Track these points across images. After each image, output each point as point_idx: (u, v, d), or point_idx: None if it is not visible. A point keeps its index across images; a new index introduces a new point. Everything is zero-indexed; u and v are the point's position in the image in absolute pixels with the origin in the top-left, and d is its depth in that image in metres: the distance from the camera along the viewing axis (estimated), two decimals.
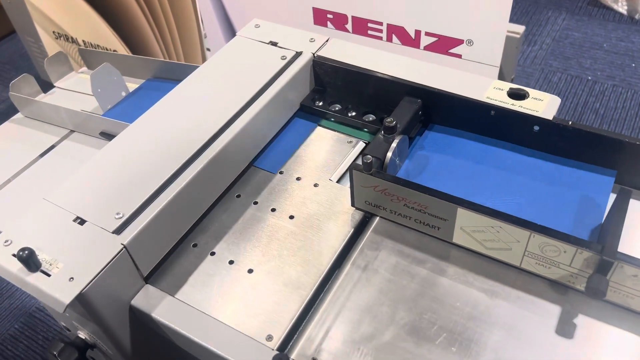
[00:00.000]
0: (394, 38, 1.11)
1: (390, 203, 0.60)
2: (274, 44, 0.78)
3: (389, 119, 0.65)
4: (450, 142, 0.69)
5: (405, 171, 0.66)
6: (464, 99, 0.66)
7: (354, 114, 0.75)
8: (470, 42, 1.02)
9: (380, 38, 1.13)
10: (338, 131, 0.75)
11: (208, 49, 1.46)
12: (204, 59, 1.48)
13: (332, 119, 0.76)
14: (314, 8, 1.16)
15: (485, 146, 0.67)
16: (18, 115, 1.00)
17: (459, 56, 1.06)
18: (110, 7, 1.56)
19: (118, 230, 0.56)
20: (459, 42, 1.04)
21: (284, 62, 0.75)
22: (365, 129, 0.74)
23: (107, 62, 1.01)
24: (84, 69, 1.11)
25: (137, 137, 0.66)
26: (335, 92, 0.77)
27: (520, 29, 1.07)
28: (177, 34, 1.48)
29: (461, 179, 0.64)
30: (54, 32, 1.76)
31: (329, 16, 1.16)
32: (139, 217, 0.57)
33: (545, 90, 2.23)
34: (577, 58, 2.35)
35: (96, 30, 1.64)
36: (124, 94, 0.96)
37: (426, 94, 0.69)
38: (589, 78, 2.26)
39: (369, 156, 0.58)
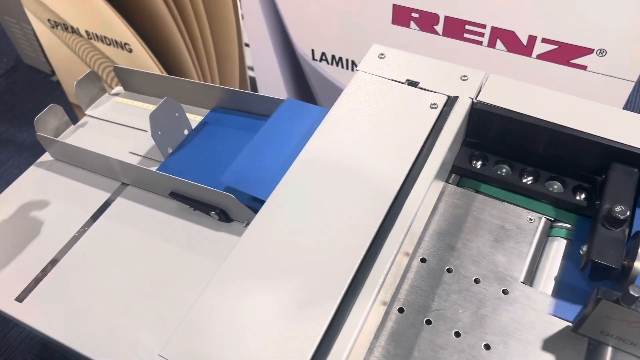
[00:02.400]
0: (498, 43, 0.92)
1: None
2: (414, 84, 0.59)
3: (618, 208, 0.47)
4: None
5: None
6: None
7: (530, 179, 0.57)
8: (602, 52, 0.84)
9: (480, 43, 0.94)
10: (506, 201, 0.57)
11: (247, 44, 1.23)
12: (241, 57, 1.26)
13: (494, 184, 0.58)
14: (394, 5, 0.95)
15: None
16: (46, 157, 0.79)
17: (583, 67, 0.88)
18: None
19: None
20: (587, 51, 0.85)
21: (436, 113, 0.56)
22: (544, 200, 0.57)
23: (154, 85, 0.80)
24: (118, 89, 0.89)
25: (276, 241, 0.47)
26: (497, 148, 0.59)
27: None
28: (207, 19, 1.24)
29: None
30: (49, 20, 1.50)
31: (414, 15, 0.95)
32: None
33: None
34: None
35: (102, 18, 1.40)
36: (186, 132, 0.75)
37: None
38: None
39: (636, 287, 0.40)
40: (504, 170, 0.58)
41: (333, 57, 1.12)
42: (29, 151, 1.96)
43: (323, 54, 1.13)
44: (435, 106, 0.56)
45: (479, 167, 0.59)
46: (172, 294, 0.60)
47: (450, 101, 0.57)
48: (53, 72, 2.11)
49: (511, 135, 0.57)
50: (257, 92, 1.34)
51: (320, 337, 0.41)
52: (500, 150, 0.58)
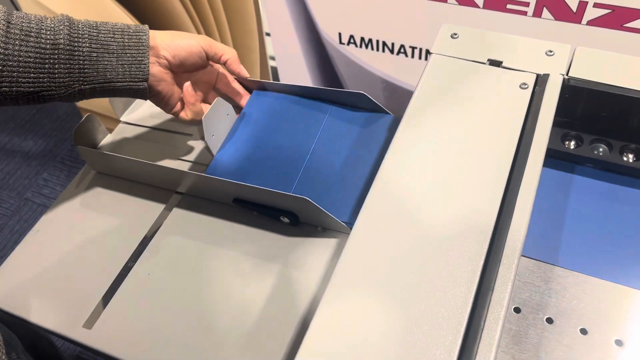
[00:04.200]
0: (545, 12, 0.88)
1: None
2: (497, 63, 0.55)
3: None
4: None
5: None
6: None
7: (632, 157, 0.53)
8: None
9: (525, 13, 0.89)
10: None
11: (267, 34, 1.18)
12: (262, 47, 1.20)
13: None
14: None
15: None
16: (86, 170, 0.75)
17: (637, 31, 0.84)
18: None
19: None
20: None
21: (528, 93, 0.52)
22: None
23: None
24: None
25: (387, 246, 0.43)
26: (591, 126, 0.55)
27: None
28: (223, 9, 1.18)
29: None
30: None
31: None
32: None
33: None
34: None
35: (108, 17, 1.33)
36: (229, 125, 0.70)
37: None
38: None
39: None
40: (600, 150, 0.54)
41: (362, 39, 1.07)
42: (36, 160, 1.90)
43: (351, 36, 1.08)
44: (526, 86, 0.52)
45: (572, 147, 0.55)
46: (253, 307, 0.56)
47: (541, 79, 0.53)
48: None
49: (608, 111, 0.53)
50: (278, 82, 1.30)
51: (457, 354, 0.37)
52: (595, 129, 0.54)
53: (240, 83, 0.72)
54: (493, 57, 0.55)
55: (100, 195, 0.71)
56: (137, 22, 1.30)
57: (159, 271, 0.61)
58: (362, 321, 0.39)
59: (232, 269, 0.60)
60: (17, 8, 1.59)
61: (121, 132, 0.79)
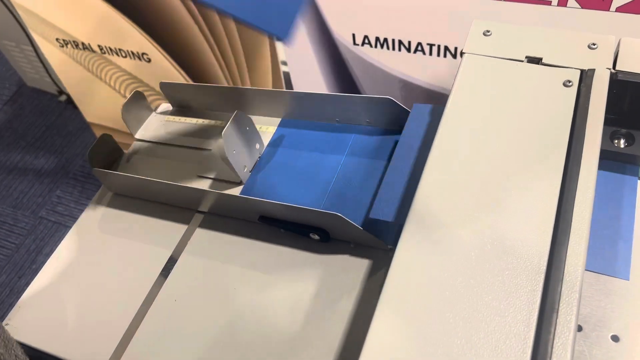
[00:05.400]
0: (571, 1, 0.83)
1: None
2: (536, 60, 0.51)
3: None
4: None
5: None
6: None
7: None
8: None
9: (549, 3, 0.85)
10: None
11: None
12: (273, 52, 1.17)
13: None
14: None
15: None
16: (103, 192, 0.72)
17: None
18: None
19: None
20: None
21: (573, 92, 0.48)
22: None
23: (207, 97, 0.73)
24: (165, 106, 0.81)
25: (438, 261, 0.40)
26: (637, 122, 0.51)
27: None
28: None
29: None
30: (57, 39, 1.41)
31: None
32: None
33: None
34: None
35: (115, 30, 1.31)
36: (257, 146, 0.67)
37: None
38: None
39: None
40: None
41: (377, 39, 1.03)
42: (49, 177, 1.89)
43: (365, 37, 1.04)
44: (571, 83, 0.48)
45: (623, 146, 0.51)
46: (288, 332, 0.53)
47: (586, 75, 0.49)
48: (60, 92, 2.03)
49: None
50: (292, 88, 1.26)
51: None
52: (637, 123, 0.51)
53: None
54: (531, 54, 0.51)
55: (120, 218, 0.68)
56: (140, 31, 1.27)
57: (186, 297, 0.58)
58: (416, 354, 0.36)
59: (262, 291, 0.56)
60: (15, 17, 1.57)
61: (136, 150, 0.76)
